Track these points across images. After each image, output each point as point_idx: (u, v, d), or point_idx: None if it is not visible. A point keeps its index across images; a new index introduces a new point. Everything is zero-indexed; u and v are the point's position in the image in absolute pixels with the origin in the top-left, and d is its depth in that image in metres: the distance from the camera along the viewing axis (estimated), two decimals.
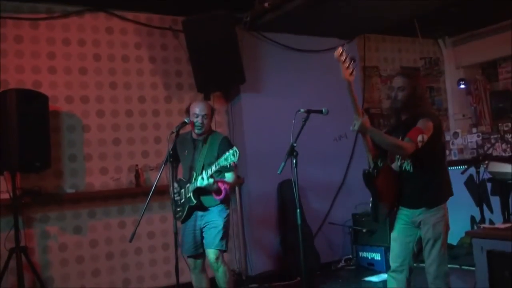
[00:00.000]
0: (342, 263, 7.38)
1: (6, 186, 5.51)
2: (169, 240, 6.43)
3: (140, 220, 4.82)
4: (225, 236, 4.83)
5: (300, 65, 7.41)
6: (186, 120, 4.84)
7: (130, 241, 4.89)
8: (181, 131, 4.96)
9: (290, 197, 6.73)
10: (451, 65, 9.30)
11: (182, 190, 4.92)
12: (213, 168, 4.55)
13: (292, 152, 4.27)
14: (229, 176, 4.80)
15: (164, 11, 6.78)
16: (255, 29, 7.09)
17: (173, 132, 4.77)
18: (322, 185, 7.33)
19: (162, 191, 5.74)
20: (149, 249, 6.52)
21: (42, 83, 6.02)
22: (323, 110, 4.35)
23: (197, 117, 4.85)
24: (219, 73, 6.54)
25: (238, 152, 4.39)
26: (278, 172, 4.20)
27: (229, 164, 4.45)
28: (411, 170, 4.06)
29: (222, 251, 4.84)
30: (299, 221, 4.36)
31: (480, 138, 7.97)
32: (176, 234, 4.65)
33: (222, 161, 4.45)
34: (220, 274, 4.85)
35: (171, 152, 4.70)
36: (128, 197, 6.42)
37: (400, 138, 4.03)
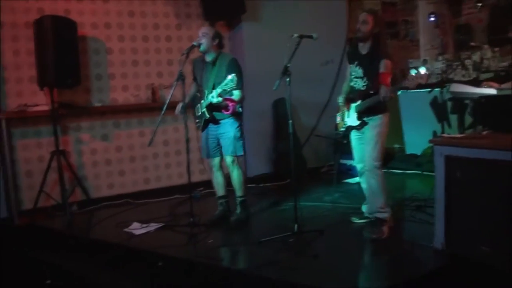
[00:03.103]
0: (325, 169, 7.56)
1: (45, 100, 5.65)
2: (181, 147, 6.60)
3: (156, 130, 4.97)
4: (238, 142, 4.96)
5: None
6: (194, 43, 4.83)
7: (149, 145, 5.14)
8: (196, 55, 5.04)
9: (283, 112, 6.88)
10: (423, 1, 9.22)
11: (198, 105, 5.02)
12: (218, 90, 4.59)
13: (286, 72, 4.33)
14: (236, 94, 4.82)
15: None
16: None
17: (183, 54, 4.75)
18: (310, 104, 7.41)
19: (174, 106, 5.80)
20: (165, 154, 6.73)
21: (71, 10, 5.99)
22: (313, 36, 4.37)
23: (199, 37, 4.90)
24: (223, 4, 6.55)
25: (236, 78, 4.45)
26: (274, 89, 4.28)
27: (230, 87, 4.50)
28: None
29: (236, 156, 5.00)
30: (290, 130, 4.48)
31: (445, 65, 8.03)
32: (187, 142, 4.76)
33: (223, 86, 4.52)
34: (235, 174, 5.04)
35: (182, 71, 4.73)
36: (146, 110, 6.54)
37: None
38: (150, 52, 6.61)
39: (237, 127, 4.98)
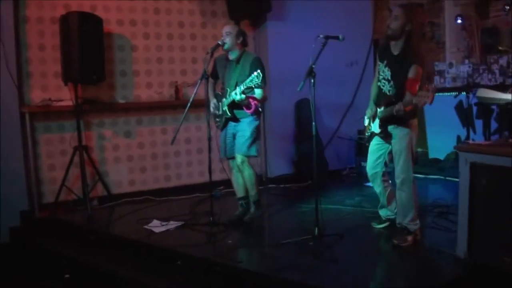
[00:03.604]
0: (346, 171, 7.50)
1: (69, 95, 5.68)
2: (203, 145, 6.57)
3: (179, 128, 4.99)
4: (252, 143, 4.86)
5: None
6: (219, 42, 4.82)
7: (172, 143, 5.10)
8: (220, 53, 5.02)
9: (306, 113, 6.83)
10: (450, 2, 9.08)
11: (219, 104, 4.98)
12: (242, 87, 4.55)
13: (310, 73, 4.25)
14: (258, 93, 4.76)
15: None
16: None
17: (208, 53, 4.77)
18: (333, 105, 7.33)
19: (197, 105, 5.82)
20: (186, 152, 6.74)
21: (97, 7, 6.03)
22: (340, 37, 4.26)
23: (222, 35, 4.88)
24: (248, 2, 6.53)
25: (261, 74, 4.39)
26: (298, 89, 4.19)
27: (255, 84, 4.46)
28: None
29: (248, 156, 4.89)
30: (314, 132, 4.42)
31: (471, 68, 7.92)
32: (209, 140, 4.79)
33: (248, 82, 4.47)
34: (245, 175, 4.96)
35: (206, 70, 4.74)
36: (169, 108, 6.56)
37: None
38: (174, 49, 6.63)
39: (255, 127, 4.90)
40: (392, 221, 4.64)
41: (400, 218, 4.37)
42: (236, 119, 4.91)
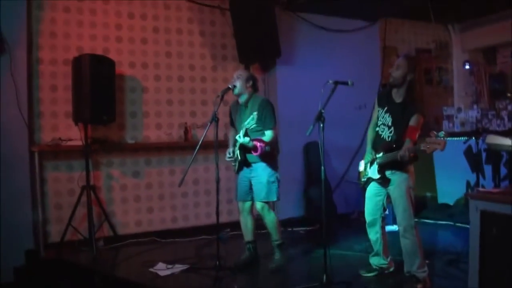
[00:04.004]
0: (355, 215, 7.37)
1: (79, 135, 5.70)
2: (210, 187, 6.53)
3: (187, 169, 4.97)
4: (271, 187, 4.80)
5: (329, 43, 7.35)
6: (229, 86, 4.85)
7: (179, 186, 5.09)
8: (232, 99, 5.05)
9: (314, 157, 6.80)
10: (458, 49, 9.15)
11: (234, 148, 4.95)
12: (243, 130, 4.58)
13: (320, 118, 4.24)
14: (268, 134, 4.75)
15: None
16: (291, 9, 7.09)
17: (218, 96, 4.79)
18: (342, 148, 7.28)
19: (206, 146, 5.77)
20: (194, 193, 6.69)
21: (110, 50, 6.12)
22: (349, 82, 4.30)
23: (233, 79, 4.92)
24: (258, 47, 6.56)
25: (256, 117, 4.45)
26: (307, 134, 4.18)
27: (251, 126, 4.48)
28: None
29: (267, 202, 4.84)
30: (323, 177, 4.36)
31: (479, 113, 7.92)
32: (218, 182, 4.73)
33: (246, 125, 4.51)
34: (268, 221, 4.91)
35: (216, 112, 4.74)
36: (178, 149, 6.55)
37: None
38: (184, 91, 6.67)
39: (271, 171, 4.84)
40: (382, 270, 4.59)
41: (408, 266, 4.27)
42: (248, 163, 4.87)
